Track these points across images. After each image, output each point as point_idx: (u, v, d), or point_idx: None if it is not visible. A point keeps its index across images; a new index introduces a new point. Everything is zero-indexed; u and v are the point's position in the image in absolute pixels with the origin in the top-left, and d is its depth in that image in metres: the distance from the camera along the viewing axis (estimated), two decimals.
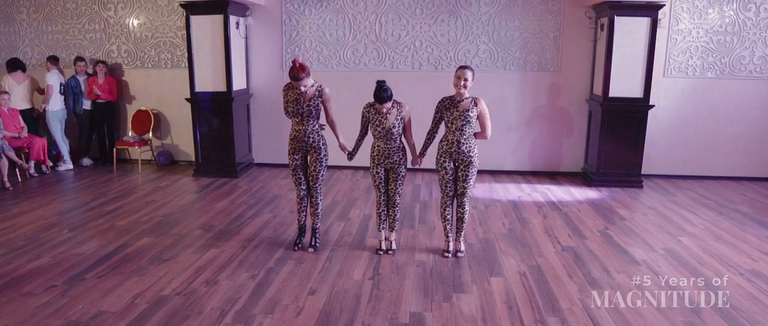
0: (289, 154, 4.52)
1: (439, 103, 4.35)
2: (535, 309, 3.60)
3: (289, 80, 4.33)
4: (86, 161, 8.14)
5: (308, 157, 4.53)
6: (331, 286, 3.91)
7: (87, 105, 7.96)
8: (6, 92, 7.41)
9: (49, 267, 4.22)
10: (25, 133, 7.39)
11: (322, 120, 4.54)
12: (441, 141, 4.38)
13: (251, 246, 4.72)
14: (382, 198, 4.52)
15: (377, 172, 4.46)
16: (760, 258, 4.54)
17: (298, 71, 4.14)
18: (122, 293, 3.78)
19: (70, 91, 7.85)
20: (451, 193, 4.43)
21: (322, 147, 4.48)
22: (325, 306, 3.60)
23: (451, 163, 4.35)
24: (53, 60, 7.90)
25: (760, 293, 3.86)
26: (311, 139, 4.42)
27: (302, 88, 4.23)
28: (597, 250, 4.68)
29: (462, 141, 4.25)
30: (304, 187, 4.59)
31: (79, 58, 7.93)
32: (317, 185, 4.55)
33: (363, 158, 7.83)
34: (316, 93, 4.38)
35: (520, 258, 4.51)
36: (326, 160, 4.53)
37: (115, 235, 4.99)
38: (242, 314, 3.50)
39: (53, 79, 7.78)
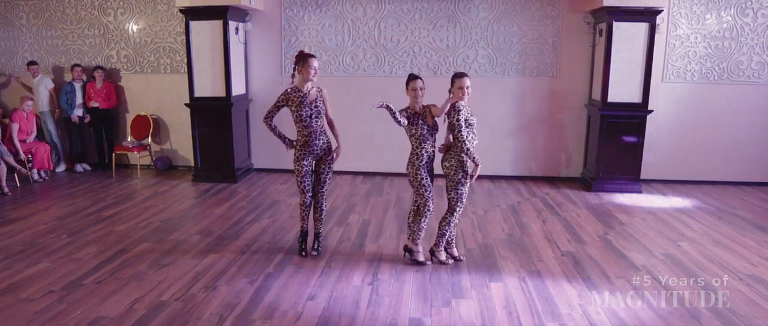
0: (297, 161, 4.45)
1: (461, 109, 4.12)
2: (535, 314, 3.59)
3: (287, 86, 4.42)
4: (79, 167, 8.10)
5: (319, 162, 4.51)
6: (330, 292, 3.91)
7: (80, 111, 7.96)
8: (31, 98, 7.46)
9: (48, 273, 4.21)
10: (31, 138, 7.42)
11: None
12: (469, 150, 4.13)
13: (250, 252, 4.71)
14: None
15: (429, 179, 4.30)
16: (759, 263, 4.54)
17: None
18: (121, 298, 3.77)
19: (64, 96, 7.85)
20: None
21: (331, 149, 4.50)
22: (324, 312, 3.59)
23: None
24: (36, 64, 8.01)
25: (760, 298, 3.86)
26: (322, 141, 4.43)
27: (311, 74, 4.30)
28: (596, 255, 4.68)
29: None
30: (311, 194, 4.56)
31: (76, 65, 7.95)
32: (325, 189, 4.56)
33: (362, 163, 7.88)
34: (318, 94, 4.44)
35: (520, 263, 4.50)
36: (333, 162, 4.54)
37: (114, 241, 4.98)
38: (241, 319, 3.49)
39: (38, 82, 7.97)
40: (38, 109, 7.95)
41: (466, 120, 4.13)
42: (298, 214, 4.72)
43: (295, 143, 4.48)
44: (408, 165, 4.31)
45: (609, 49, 6.70)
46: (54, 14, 8.20)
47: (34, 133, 7.52)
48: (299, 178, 4.48)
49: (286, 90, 4.42)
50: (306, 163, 4.45)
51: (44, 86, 7.96)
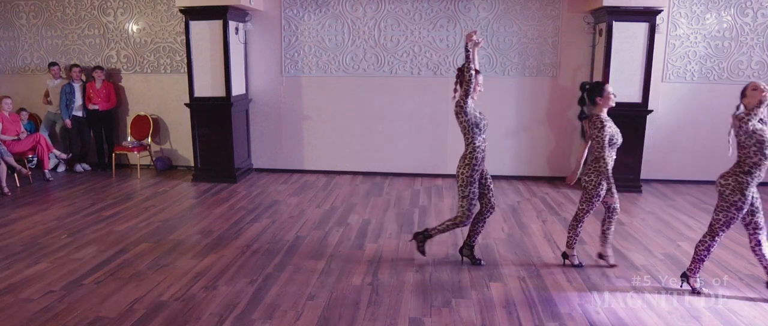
0: (473, 175, 4.18)
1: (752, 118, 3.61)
2: (535, 314, 3.59)
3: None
4: (79, 167, 8.10)
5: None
6: (330, 292, 3.91)
7: (80, 112, 7.96)
8: (8, 97, 7.46)
9: (48, 273, 4.21)
10: (23, 136, 7.41)
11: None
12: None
13: (250, 252, 4.71)
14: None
15: None
16: (759, 263, 4.53)
17: None
18: (120, 299, 3.77)
19: (64, 96, 7.85)
20: None
21: None
22: (323, 312, 3.59)
23: None
24: (56, 65, 8.07)
25: (760, 298, 3.86)
26: None
27: (479, 90, 4.17)
28: (596, 255, 4.67)
29: None
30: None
31: (74, 65, 7.95)
32: None
33: (362, 163, 7.88)
34: None
35: (520, 263, 4.50)
36: None
37: (114, 241, 4.98)
38: (241, 320, 3.49)
39: (59, 84, 8.05)
40: (54, 109, 8.05)
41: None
42: (444, 227, 4.33)
43: (473, 154, 4.18)
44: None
45: (609, 49, 6.70)
46: (54, 14, 8.20)
47: (25, 132, 7.50)
48: (473, 189, 4.19)
49: (463, 102, 4.16)
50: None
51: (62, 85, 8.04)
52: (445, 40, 7.50)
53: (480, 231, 4.46)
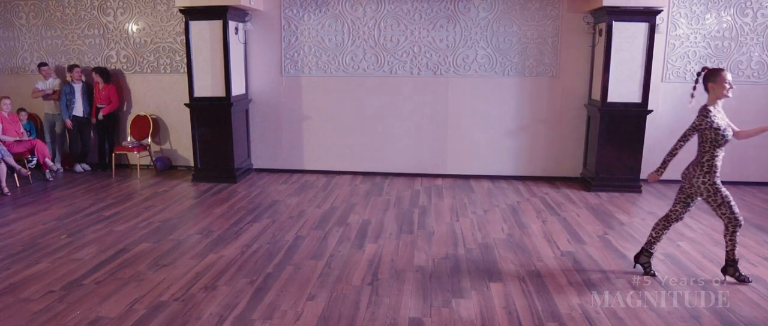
0: (717, 181, 3.97)
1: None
2: (535, 314, 3.59)
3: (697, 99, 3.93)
4: (79, 167, 8.09)
5: None
6: (330, 292, 3.91)
7: (81, 113, 7.95)
8: (7, 97, 7.46)
9: (48, 273, 4.21)
10: (25, 137, 7.42)
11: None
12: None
13: (250, 252, 4.71)
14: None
15: None
16: (759, 263, 4.54)
17: None
18: (120, 299, 3.77)
19: (63, 97, 7.84)
20: None
21: None
22: (323, 312, 3.59)
23: None
24: (46, 65, 8.07)
25: (760, 298, 3.86)
26: None
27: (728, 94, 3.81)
28: (596, 255, 4.68)
29: None
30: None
31: (74, 65, 7.95)
32: None
33: (362, 163, 7.88)
34: None
35: (520, 263, 4.50)
36: None
37: (114, 241, 4.98)
38: (241, 320, 3.49)
39: (51, 83, 8.05)
40: (52, 110, 8.03)
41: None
42: (732, 243, 3.99)
43: (713, 162, 3.96)
44: None
45: (609, 49, 6.70)
46: (54, 14, 8.20)
47: (25, 133, 7.49)
48: (724, 192, 3.92)
49: (708, 109, 3.90)
50: None
51: (54, 88, 8.04)
52: (445, 40, 7.49)
53: (662, 238, 4.20)
